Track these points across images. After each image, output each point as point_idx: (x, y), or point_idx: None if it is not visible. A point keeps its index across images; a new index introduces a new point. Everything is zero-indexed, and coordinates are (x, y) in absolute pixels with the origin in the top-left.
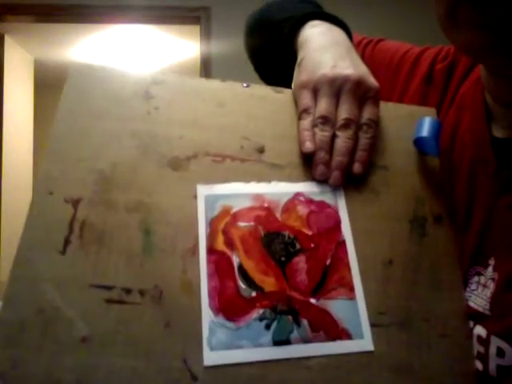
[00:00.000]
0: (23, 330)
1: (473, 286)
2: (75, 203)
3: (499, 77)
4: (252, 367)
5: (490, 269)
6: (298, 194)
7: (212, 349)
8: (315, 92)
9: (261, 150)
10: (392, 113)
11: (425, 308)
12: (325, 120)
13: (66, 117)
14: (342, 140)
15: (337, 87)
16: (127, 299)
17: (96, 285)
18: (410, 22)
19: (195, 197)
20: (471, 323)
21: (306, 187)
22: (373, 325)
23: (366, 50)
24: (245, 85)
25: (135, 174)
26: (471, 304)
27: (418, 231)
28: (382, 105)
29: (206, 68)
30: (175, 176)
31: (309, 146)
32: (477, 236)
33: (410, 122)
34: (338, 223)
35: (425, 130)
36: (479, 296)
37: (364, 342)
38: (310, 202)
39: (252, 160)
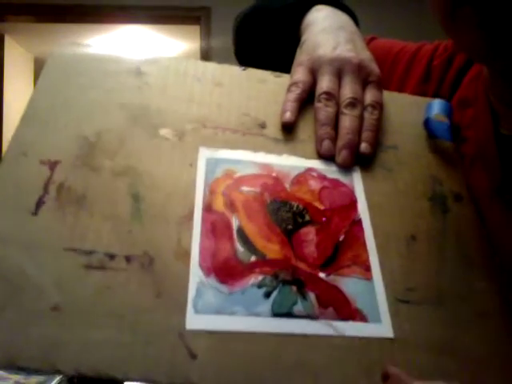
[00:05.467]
0: None
1: None
2: (52, 165)
3: (501, 78)
4: (247, 338)
5: None
6: (310, 169)
7: (197, 312)
8: (313, 71)
9: (262, 126)
10: (396, 101)
11: (458, 285)
12: (329, 96)
13: (46, 89)
14: (350, 118)
15: (337, 68)
16: (110, 265)
17: (73, 248)
18: (409, 20)
19: (191, 165)
20: None
21: (319, 164)
22: (401, 301)
23: None
24: (242, 68)
25: (123, 142)
26: None
27: (440, 208)
28: (386, 93)
29: None
30: (169, 145)
31: (289, 116)
32: None
33: (415, 110)
34: (353, 202)
35: (435, 110)
36: None
37: (382, 327)
38: (323, 178)
39: (254, 134)
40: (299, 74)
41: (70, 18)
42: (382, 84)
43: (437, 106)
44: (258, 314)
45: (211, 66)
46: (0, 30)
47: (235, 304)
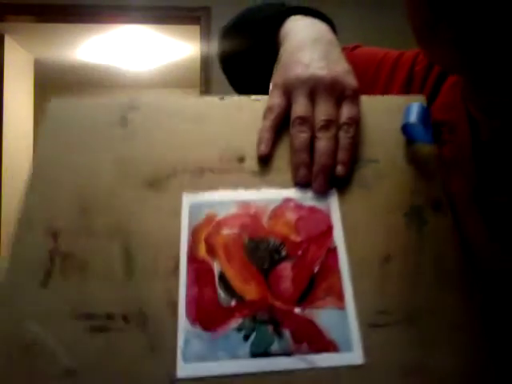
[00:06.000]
0: (10, 369)
1: None
2: (55, 235)
3: (474, 88)
4: (228, 380)
5: None
6: (287, 200)
7: (186, 361)
8: (287, 93)
9: (241, 160)
10: (379, 105)
11: (432, 301)
12: (302, 120)
13: (44, 149)
14: (324, 141)
15: (310, 88)
16: (111, 325)
17: (79, 314)
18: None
19: (176, 214)
20: None
21: (297, 193)
22: (373, 325)
23: None
24: (221, 97)
25: (114, 200)
26: None
27: (416, 221)
28: (368, 98)
29: (206, 68)
30: (154, 196)
31: (263, 148)
32: None
33: (398, 114)
34: (329, 228)
35: (412, 116)
36: None
37: (353, 355)
38: (299, 207)
39: (232, 170)
40: (274, 97)
41: (70, 18)
42: (358, 96)
43: (414, 109)
44: (238, 357)
45: (192, 101)
46: (0, 30)
47: (218, 349)
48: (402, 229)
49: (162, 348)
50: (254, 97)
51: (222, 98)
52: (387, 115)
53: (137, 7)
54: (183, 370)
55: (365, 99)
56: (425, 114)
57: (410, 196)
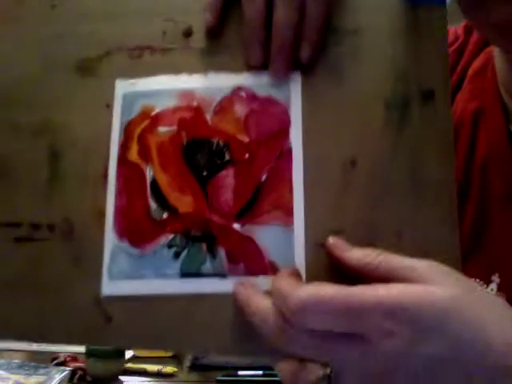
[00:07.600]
0: None
1: None
2: None
3: None
4: (156, 301)
5: (494, 286)
6: (238, 89)
7: (112, 278)
8: None
9: (187, 33)
10: None
11: (401, 221)
12: None
13: None
14: (284, 11)
15: None
16: (36, 236)
17: (3, 223)
18: None
19: (108, 105)
20: None
21: (250, 79)
22: (322, 245)
23: None
24: None
25: (41, 89)
26: None
27: (397, 117)
28: None
29: None
30: (84, 83)
31: (208, 17)
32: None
33: None
34: (285, 126)
35: None
36: None
37: None
38: (252, 98)
39: (176, 49)
40: None
41: None
42: None
43: None
44: (166, 276)
45: None
46: None
47: (144, 267)
48: (378, 126)
49: (88, 262)
50: None
51: None
52: None
53: None
54: (108, 287)
55: None
56: None
57: (394, 82)
